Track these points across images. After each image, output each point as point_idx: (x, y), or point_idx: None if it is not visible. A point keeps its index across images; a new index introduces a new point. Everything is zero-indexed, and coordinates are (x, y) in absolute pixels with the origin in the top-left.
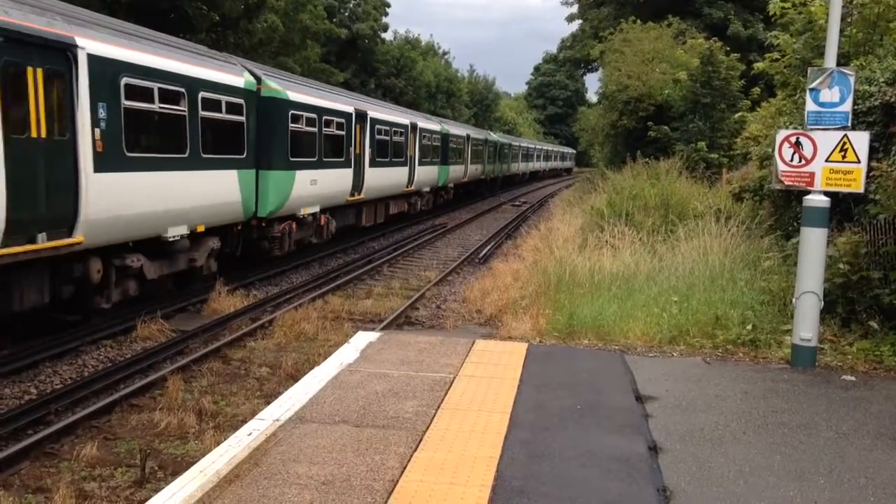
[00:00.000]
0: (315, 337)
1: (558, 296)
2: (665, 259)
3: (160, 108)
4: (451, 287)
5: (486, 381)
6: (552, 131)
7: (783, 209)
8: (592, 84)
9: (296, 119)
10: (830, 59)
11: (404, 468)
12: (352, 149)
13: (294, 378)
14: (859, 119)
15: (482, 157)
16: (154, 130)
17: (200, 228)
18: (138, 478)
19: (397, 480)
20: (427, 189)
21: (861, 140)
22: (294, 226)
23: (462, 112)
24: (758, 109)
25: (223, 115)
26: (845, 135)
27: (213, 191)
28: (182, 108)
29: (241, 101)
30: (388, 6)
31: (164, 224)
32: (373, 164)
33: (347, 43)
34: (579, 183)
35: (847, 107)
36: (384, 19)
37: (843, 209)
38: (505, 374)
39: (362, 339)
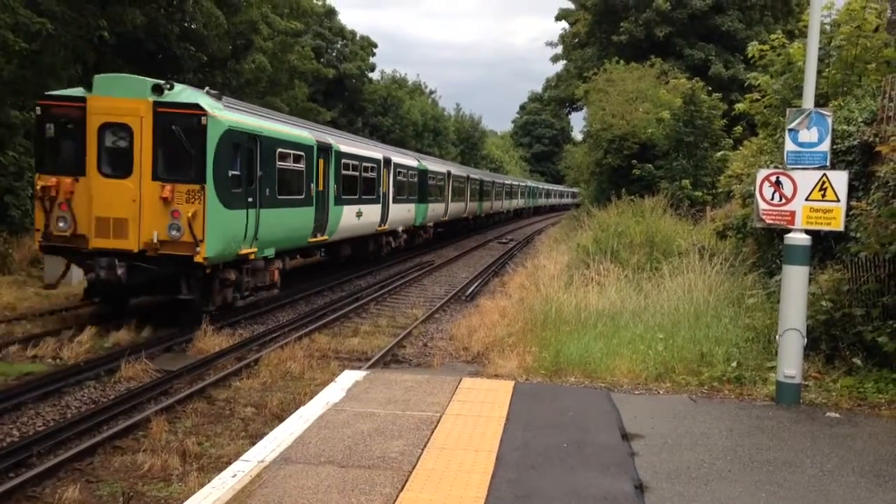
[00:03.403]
0: (301, 376)
1: (545, 333)
2: (650, 296)
3: (352, 173)
4: (438, 325)
5: (473, 419)
6: (538, 169)
7: (766, 247)
8: (577, 123)
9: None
10: (808, 100)
11: None
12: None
13: (280, 418)
14: (839, 158)
15: (525, 195)
16: (349, 184)
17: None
18: None
19: None
20: (510, 210)
21: (840, 179)
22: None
23: (449, 150)
24: (740, 148)
25: (370, 175)
26: (824, 174)
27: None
28: (357, 173)
29: (376, 165)
30: (376, 46)
31: (358, 232)
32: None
33: (335, 82)
34: (566, 220)
35: (825, 146)
36: (371, 59)
37: (824, 247)
38: (491, 413)
39: (349, 377)
